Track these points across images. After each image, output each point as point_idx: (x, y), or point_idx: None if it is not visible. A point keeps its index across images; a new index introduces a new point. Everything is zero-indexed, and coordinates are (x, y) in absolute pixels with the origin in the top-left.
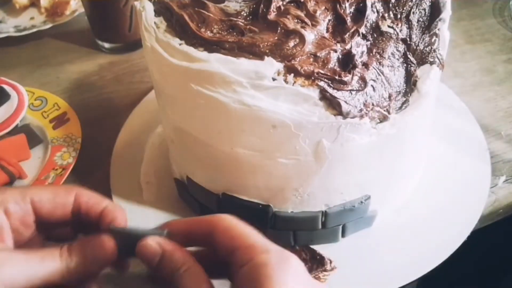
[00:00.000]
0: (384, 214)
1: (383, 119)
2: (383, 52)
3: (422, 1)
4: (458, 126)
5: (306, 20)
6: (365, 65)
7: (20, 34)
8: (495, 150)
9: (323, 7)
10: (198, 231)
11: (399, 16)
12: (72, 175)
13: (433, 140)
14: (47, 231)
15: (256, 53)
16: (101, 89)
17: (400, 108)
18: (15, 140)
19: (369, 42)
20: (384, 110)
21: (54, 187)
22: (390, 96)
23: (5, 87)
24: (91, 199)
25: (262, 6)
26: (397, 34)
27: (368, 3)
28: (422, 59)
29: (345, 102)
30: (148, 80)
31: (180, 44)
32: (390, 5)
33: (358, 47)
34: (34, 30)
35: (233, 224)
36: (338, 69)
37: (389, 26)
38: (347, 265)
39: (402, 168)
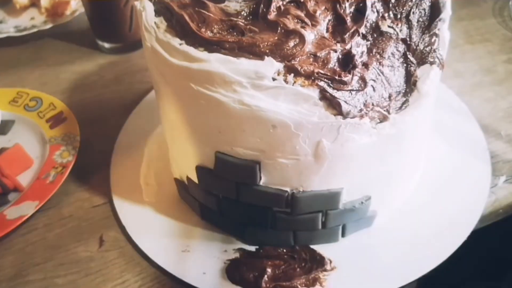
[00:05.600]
0: (384, 214)
1: (383, 119)
2: (383, 52)
3: (422, 1)
4: (458, 126)
5: (306, 20)
6: (365, 65)
7: (20, 34)
8: (495, 150)
9: (323, 7)
10: None
11: (399, 16)
12: (73, 175)
13: (433, 140)
14: None
15: (256, 53)
16: (101, 89)
17: (400, 108)
18: (13, 153)
19: (369, 42)
20: (384, 110)
21: None
22: (390, 96)
23: None
24: None
25: (262, 6)
26: (397, 34)
27: (368, 3)
28: (422, 59)
29: (345, 102)
30: (148, 80)
31: (180, 44)
32: (390, 5)
33: (358, 47)
34: (35, 30)
35: None
36: (338, 69)
37: (389, 26)
38: (347, 265)
39: (402, 168)
